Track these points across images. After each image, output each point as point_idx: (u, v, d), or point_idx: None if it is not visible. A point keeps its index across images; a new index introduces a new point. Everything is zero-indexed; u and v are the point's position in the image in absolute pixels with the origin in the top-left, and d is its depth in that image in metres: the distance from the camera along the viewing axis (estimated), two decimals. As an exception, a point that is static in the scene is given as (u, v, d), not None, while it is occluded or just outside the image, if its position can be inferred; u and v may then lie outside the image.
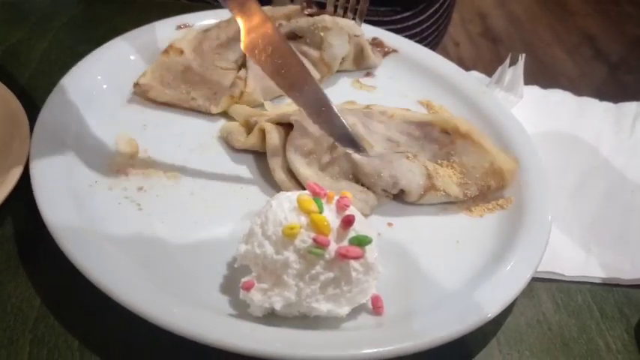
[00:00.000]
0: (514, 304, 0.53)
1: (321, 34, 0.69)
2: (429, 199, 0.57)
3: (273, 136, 0.57)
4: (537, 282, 0.56)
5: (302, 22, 0.70)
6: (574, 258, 0.59)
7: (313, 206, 0.44)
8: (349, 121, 0.59)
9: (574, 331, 0.53)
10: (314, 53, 0.69)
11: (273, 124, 0.58)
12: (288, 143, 0.57)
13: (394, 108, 0.65)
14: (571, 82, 0.75)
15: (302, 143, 0.57)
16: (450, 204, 0.58)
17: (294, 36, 0.71)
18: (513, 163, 0.61)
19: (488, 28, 2.65)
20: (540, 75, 0.77)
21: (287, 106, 0.64)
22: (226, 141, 0.60)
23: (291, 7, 0.75)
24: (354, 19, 0.74)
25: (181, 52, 0.67)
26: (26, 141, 0.53)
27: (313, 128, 0.58)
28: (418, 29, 0.97)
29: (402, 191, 0.56)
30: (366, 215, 0.54)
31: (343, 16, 0.74)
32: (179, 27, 0.71)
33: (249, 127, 0.60)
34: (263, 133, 0.58)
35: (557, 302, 0.55)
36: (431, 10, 0.99)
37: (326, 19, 0.70)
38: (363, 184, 0.57)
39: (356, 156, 0.57)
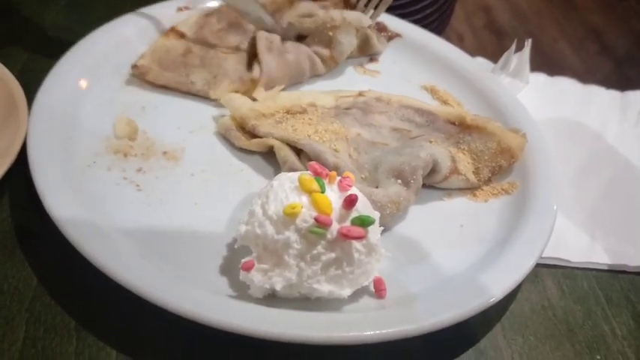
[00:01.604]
0: (519, 289, 0.53)
1: (330, 33, 0.68)
2: (450, 182, 0.57)
3: (288, 154, 0.55)
4: (542, 268, 0.56)
5: (309, 22, 0.69)
6: (579, 244, 0.58)
7: (315, 185, 0.43)
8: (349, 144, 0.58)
9: (579, 317, 0.53)
10: (324, 52, 0.68)
11: (281, 142, 0.56)
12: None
13: (389, 94, 0.65)
14: (576, 77, 0.75)
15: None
16: (455, 188, 0.58)
17: (301, 36, 0.70)
18: (520, 137, 0.60)
19: (492, 21, 2.63)
20: (546, 69, 0.77)
21: (284, 97, 0.63)
22: (225, 137, 0.59)
23: None
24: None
25: (182, 35, 0.67)
26: (24, 121, 0.53)
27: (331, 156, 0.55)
28: (420, 15, 0.96)
29: (431, 170, 0.55)
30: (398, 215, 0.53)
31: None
32: (179, 9, 0.71)
33: (245, 130, 0.58)
34: (267, 143, 0.57)
35: (562, 288, 0.55)
36: None
37: (334, 16, 0.69)
38: (400, 179, 0.54)
39: (388, 147, 0.57)
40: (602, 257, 0.58)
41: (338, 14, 0.70)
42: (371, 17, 0.72)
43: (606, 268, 0.57)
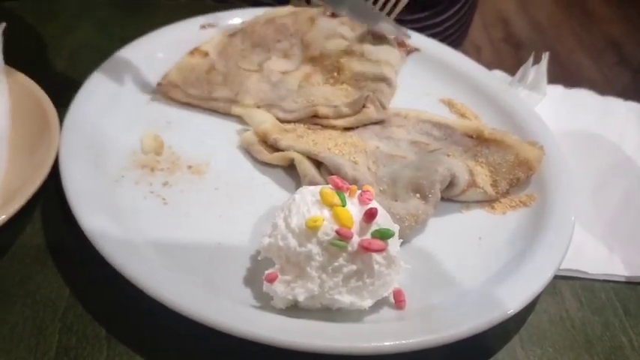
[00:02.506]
0: (537, 301, 0.53)
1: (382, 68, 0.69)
2: (468, 195, 0.57)
3: (308, 167, 0.57)
4: (560, 279, 0.56)
5: (367, 67, 0.70)
6: (597, 256, 0.59)
7: (336, 199, 0.44)
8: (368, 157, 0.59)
9: (597, 329, 0.53)
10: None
11: (301, 155, 0.57)
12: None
13: (407, 109, 0.66)
14: (595, 88, 0.75)
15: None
16: (473, 201, 0.59)
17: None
18: (537, 150, 0.61)
19: (510, 33, 2.64)
20: (564, 81, 0.78)
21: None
22: (247, 151, 0.60)
23: (314, 11, 0.76)
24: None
25: (206, 54, 0.69)
26: (56, 137, 0.55)
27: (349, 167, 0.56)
28: (438, 29, 0.98)
29: (449, 184, 0.56)
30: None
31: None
32: (203, 27, 0.73)
33: (267, 143, 0.60)
34: (288, 156, 0.58)
35: (580, 300, 0.55)
36: (451, 11, 1.00)
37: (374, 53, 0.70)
38: (419, 193, 0.55)
39: (407, 160, 0.58)
40: (620, 269, 0.58)
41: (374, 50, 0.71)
42: (388, 14, 0.73)
43: (624, 279, 0.57)
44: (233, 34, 0.72)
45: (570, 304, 0.55)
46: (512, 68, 0.78)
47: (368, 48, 0.72)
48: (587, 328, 0.53)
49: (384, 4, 0.74)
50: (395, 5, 0.74)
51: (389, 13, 0.74)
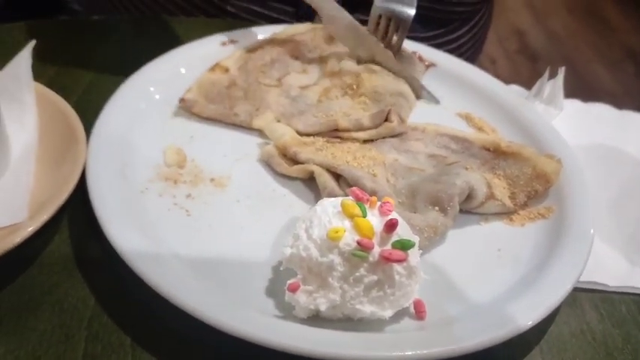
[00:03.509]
0: (557, 313, 0.54)
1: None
2: (486, 207, 0.59)
3: (328, 179, 0.58)
4: (580, 292, 0.57)
5: (387, 81, 0.72)
6: (618, 268, 0.59)
7: (357, 210, 0.46)
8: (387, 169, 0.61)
9: (618, 341, 0.53)
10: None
11: (321, 168, 0.59)
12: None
13: (424, 123, 0.68)
14: (613, 99, 0.76)
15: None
16: (491, 213, 0.60)
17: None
18: (555, 163, 0.62)
19: (525, 45, 2.64)
20: (581, 92, 0.78)
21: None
22: (268, 164, 0.62)
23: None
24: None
25: (227, 69, 0.71)
26: (83, 150, 0.56)
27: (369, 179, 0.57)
28: (453, 45, 0.99)
29: (468, 196, 0.58)
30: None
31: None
32: (223, 43, 0.75)
33: (287, 156, 0.61)
34: (308, 169, 0.59)
35: (600, 312, 0.56)
36: (466, 28, 1.01)
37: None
38: (437, 206, 0.56)
39: (425, 173, 0.60)
40: (641, 282, 0.58)
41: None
42: (395, 43, 0.75)
43: (645, 292, 0.58)
44: (253, 49, 0.74)
45: (591, 316, 0.55)
46: (528, 80, 0.79)
47: (389, 62, 0.73)
48: (608, 341, 0.53)
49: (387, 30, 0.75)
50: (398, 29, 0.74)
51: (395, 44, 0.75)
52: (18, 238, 0.48)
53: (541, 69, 0.77)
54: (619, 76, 2.52)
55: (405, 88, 0.71)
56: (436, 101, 0.73)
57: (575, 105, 0.79)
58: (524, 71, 2.41)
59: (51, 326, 0.48)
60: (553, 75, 0.76)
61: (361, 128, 0.65)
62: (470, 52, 1.05)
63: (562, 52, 2.60)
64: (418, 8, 0.73)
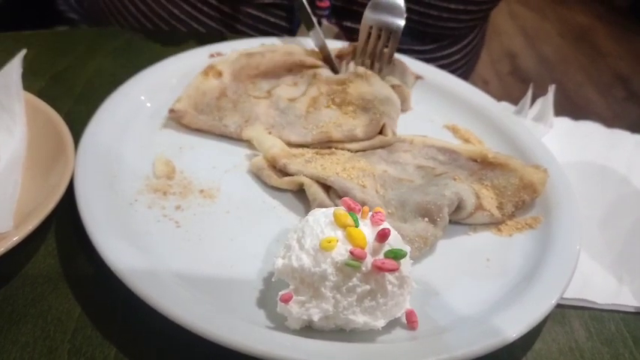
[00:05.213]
0: (546, 331, 0.56)
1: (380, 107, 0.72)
2: (475, 218, 0.61)
3: (317, 191, 0.60)
4: (569, 309, 0.59)
5: (375, 87, 0.74)
6: (606, 286, 0.61)
7: (349, 220, 0.47)
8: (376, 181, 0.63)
9: (607, 359, 0.55)
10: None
11: (310, 179, 0.61)
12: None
13: (412, 135, 0.70)
14: (603, 123, 0.79)
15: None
16: (480, 224, 0.62)
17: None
18: (541, 173, 0.65)
19: (517, 67, 2.71)
20: (571, 115, 0.81)
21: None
22: (257, 176, 0.64)
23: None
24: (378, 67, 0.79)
25: (220, 73, 0.73)
26: (71, 160, 0.58)
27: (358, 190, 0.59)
28: (445, 61, 1.02)
29: (457, 207, 0.60)
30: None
31: (371, 65, 0.79)
32: (211, 55, 0.77)
33: (276, 168, 0.63)
34: (297, 181, 0.61)
35: (589, 330, 0.58)
36: (459, 45, 1.05)
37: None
38: (427, 217, 0.59)
39: (414, 184, 0.62)
40: (630, 299, 0.60)
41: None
42: (386, 54, 0.78)
43: (633, 310, 0.60)
44: (251, 54, 0.76)
45: (579, 334, 0.57)
46: (519, 101, 0.82)
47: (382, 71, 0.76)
48: (597, 359, 0.55)
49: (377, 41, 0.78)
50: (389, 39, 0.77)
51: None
52: (2, 248, 0.49)
53: (534, 92, 0.80)
54: (609, 100, 2.58)
55: (391, 92, 0.73)
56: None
57: (564, 123, 0.82)
58: (516, 92, 2.46)
59: (34, 339, 0.48)
60: (538, 94, 0.79)
61: (354, 139, 0.67)
62: (462, 71, 1.09)
63: (553, 75, 2.67)
64: (410, 22, 0.76)
